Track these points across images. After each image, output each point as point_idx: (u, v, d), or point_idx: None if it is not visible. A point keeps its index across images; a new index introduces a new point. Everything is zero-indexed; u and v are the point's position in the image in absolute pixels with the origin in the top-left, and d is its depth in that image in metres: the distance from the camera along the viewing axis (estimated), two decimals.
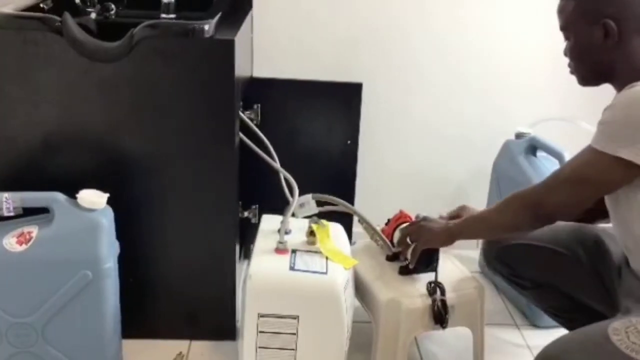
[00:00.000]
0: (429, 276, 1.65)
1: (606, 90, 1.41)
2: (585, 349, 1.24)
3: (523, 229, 1.46)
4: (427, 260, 1.64)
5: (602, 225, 1.65)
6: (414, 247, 1.60)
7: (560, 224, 1.58)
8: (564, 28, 1.43)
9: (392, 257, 1.74)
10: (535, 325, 1.98)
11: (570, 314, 1.67)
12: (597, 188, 1.34)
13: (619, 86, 1.34)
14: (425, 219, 1.65)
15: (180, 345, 1.77)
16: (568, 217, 1.41)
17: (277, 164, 1.82)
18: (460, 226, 1.55)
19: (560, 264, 1.61)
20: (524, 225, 1.44)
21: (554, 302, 1.70)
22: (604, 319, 1.32)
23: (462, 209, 1.67)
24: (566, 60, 1.47)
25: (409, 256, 1.62)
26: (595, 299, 1.58)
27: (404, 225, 1.69)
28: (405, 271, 1.68)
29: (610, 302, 1.52)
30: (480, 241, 2.33)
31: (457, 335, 1.73)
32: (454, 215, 1.66)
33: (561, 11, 1.42)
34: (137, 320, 1.72)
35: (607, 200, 1.43)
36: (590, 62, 1.38)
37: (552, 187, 1.38)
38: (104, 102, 1.57)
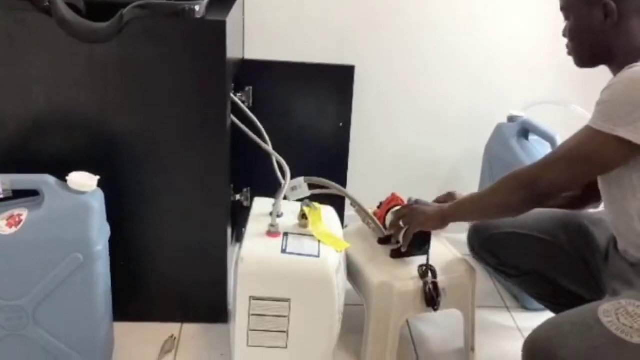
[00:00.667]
0: (420, 259, 1.65)
1: (599, 74, 1.40)
2: (576, 331, 1.25)
3: (518, 208, 1.44)
4: (419, 244, 1.65)
5: (590, 211, 1.66)
6: (406, 230, 1.61)
7: (543, 211, 1.59)
8: (564, 8, 1.42)
9: (384, 240, 1.74)
10: (525, 307, 2.00)
11: (557, 298, 1.68)
12: (593, 167, 1.33)
13: (617, 67, 1.34)
14: (417, 202, 1.65)
15: (172, 327, 1.78)
16: (562, 194, 1.40)
17: (269, 147, 1.81)
18: (453, 208, 1.55)
19: (544, 251, 1.62)
20: (518, 204, 1.42)
21: (539, 289, 1.71)
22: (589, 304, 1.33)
23: (450, 195, 1.68)
24: (560, 43, 1.47)
25: (401, 239, 1.62)
26: (580, 284, 1.60)
27: (397, 208, 1.69)
28: (397, 254, 1.68)
29: (595, 288, 1.53)
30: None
31: (448, 317, 1.74)
32: (441, 201, 1.66)
33: None
34: (129, 303, 1.72)
35: (600, 181, 1.43)
36: (589, 43, 1.38)
37: (548, 165, 1.37)
38: (93, 83, 1.55)
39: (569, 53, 1.44)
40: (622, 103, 1.25)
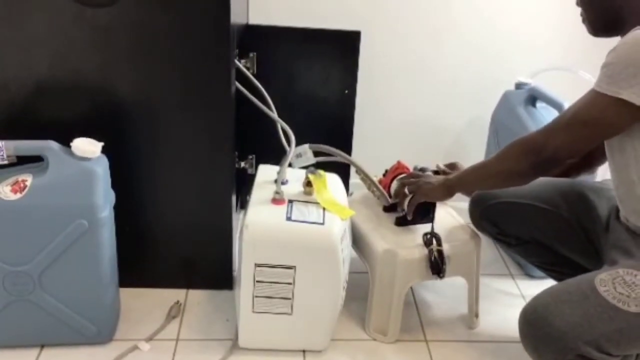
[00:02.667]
0: (425, 227, 1.65)
1: (607, 40, 1.38)
2: (573, 300, 1.27)
3: (525, 175, 1.42)
4: (424, 211, 1.64)
5: (592, 179, 1.65)
6: (411, 198, 1.60)
7: (543, 181, 1.59)
8: None
9: (389, 208, 1.74)
10: (529, 275, 2.00)
11: (557, 267, 1.69)
12: (599, 131, 1.32)
13: None
14: (423, 170, 1.65)
15: (178, 294, 1.79)
16: (569, 159, 1.37)
17: (274, 114, 1.80)
18: (458, 178, 1.55)
19: (544, 220, 1.62)
20: (525, 171, 1.39)
21: (540, 257, 1.72)
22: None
23: (452, 165, 1.68)
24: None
25: (405, 207, 1.62)
26: (579, 253, 1.60)
27: (402, 176, 1.69)
28: (401, 222, 1.68)
29: (594, 256, 1.53)
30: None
31: (452, 284, 1.74)
32: (445, 171, 1.66)
33: None
34: (135, 269, 1.73)
35: (605, 146, 1.42)
36: (600, 9, 1.35)
37: (553, 130, 1.36)
38: (96, 48, 1.53)
39: (583, 21, 1.42)
40: (626, 65, 1.23)
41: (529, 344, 1.30)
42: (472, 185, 1.58)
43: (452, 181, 1.55)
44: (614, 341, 1.23)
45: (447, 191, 1.55)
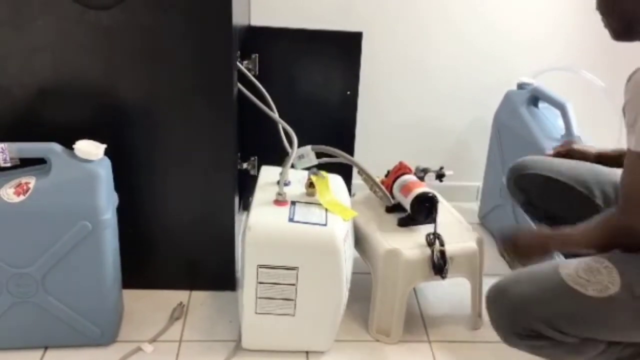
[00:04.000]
0: (428, 227, 1.65)
1: (609, 40, 1.37)
2: (532, 278, 1.31)
3: (607, 248, 1.35)
4: (426, 212, 1.64)
5: None
6: (515, 256, 1.51)
7: (584, 163, 1.60)
8: None
9: (391, 209, 1.74)
10: None
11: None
12: None
13: None
14: (425, 170, 1.65)
15: (181, 295, 1.79)
16: None
17: (276, 115, 1.80)
18: (557, 242, 1.45)
19: (575, 201, 1.60)
20: (607, 246, 1.34)
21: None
22: None
23: (569, 143, 1.72)
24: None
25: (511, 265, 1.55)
26: None
27: (504, 241, 1.55)
28: (404, 222, 1.69)
29: None
30: (481, 192, 2.34)
31: (455, 285, 1.74)
32: (562, 154, 1.69)
33: None
34: (138, 271, 1.73)
35: None
36: (618, 14, 1.33)
37: (625, 207, 1.29)
38: (99, 50, 1.54)
39: (605, 27, 1.40)
40: None
41: (490, 317, 1.35)
42: (568, 250, 1.48)
43: (550, 244, 1.45)
44: (568, 321, 1.25)
45: (545, 252, 1.46)
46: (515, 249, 1.52)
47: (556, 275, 1.27)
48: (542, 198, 1.67)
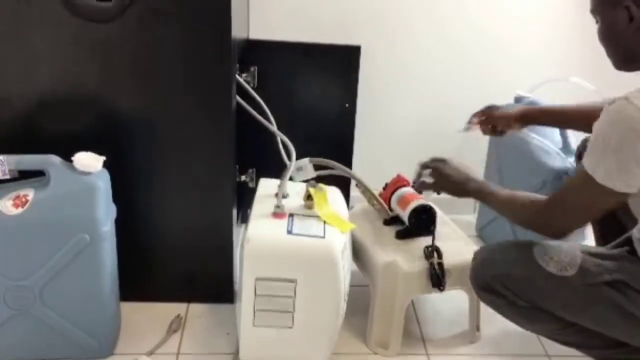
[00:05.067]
0: (426, 240, 1.65)
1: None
2: (508, 245, 1.51)
3: (519, 224, 1.53)
4: (425, 224, 1.65)
5: None
6: (433, 182, 1.66)
7: None
8: (592, 11, 1.41)
9: (389, 221, 1.74)
10: None
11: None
12: (599, 209, 1.35)
13: None
14: (446, 162, 1.67)
15: (179, 307, 1.78)
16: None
17: (274, 128, 1.81)
18: (478, 191, 1.57)
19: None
20: (519, 222, 1.51)
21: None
22: None
23: (490, 109, 1.83)
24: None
25: (419, 184, 1.70)
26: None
27: (431, 159, 1.69)
28: (402, 235, 1.69)
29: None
30: (478, 204, 2.35)
31: (453, 297, 1.74)
32: (482, 122, 1.83)
33: None
34: (136, 283, 1.72)
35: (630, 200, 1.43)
36: (618, 46, 1.35)
37: (552, 205, 1.39)
38: (98, 63, 1.55)
39: (607, 56, 1.42)
40: (601, 145, 1.25)
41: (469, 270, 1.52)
42: (487, 205, 1.59)
43: (471, 190, 1.58)
44: (519, 286, 1.40)
45: (463, 194, 1.61)
46: (439, 173, 1.66)
47: (528, 248, 1.41)
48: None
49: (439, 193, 1.68)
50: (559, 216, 1.38)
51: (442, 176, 1.64)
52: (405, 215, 1.67)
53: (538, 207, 1.42)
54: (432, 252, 1.61)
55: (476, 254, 1.50)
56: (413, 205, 1.66)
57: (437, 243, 1.64)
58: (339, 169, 1.73)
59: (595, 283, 1.35)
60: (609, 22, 1.36)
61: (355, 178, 1.75)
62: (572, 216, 1.37)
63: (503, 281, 1.41)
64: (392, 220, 1.73)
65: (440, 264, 1.60)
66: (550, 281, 1.37)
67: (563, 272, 1.36)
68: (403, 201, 1.70)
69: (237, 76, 1.73)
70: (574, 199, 1.35)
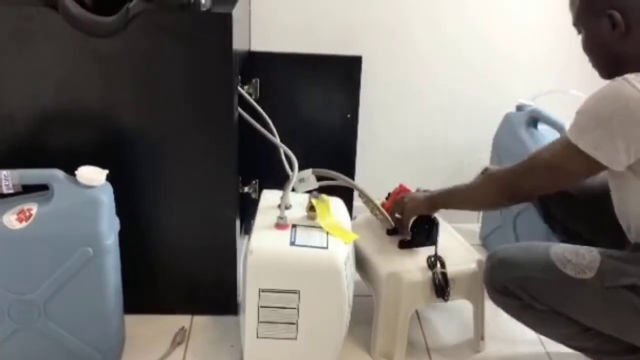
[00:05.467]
0: (429, 250, 1.65)
1: None
2: (525, 248, 1.48)
3: (496, 207, 1.61)
4: (427, 234, 1.65)
5: None
6: (401, 217, 1.66)
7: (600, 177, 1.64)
8: (575, 23, 1.44)
9: (392, 231, 1.74)
10: None
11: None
12: (568, 176, 1.39)
13: None
14: (417, 190, 1.69)
15: (183, 320, 1.78)
16: (538, 196, 1.51)
17: (276, 139, 1.81)
18: (442, 196, 1.62)
19: (589, 215, 1.63)
20: (500, 204, 1.57)
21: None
22: None
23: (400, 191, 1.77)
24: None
25: (403, 229, 1.66)
26: None
27: (397, 202, 1.71)
28: (404, 245, 1.69)
29: None
30: (482, 214, 2.35)
31: (458, 307, 1.74)
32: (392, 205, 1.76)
33: (571, 6, 1.45)
34: (139, 296, 1.72)
35: (609, 181, 1.45)
36: (603, 54, 1.38)
37: (527, 172, 1.44)
38: (101, 77, 1.55)
39: (593, 66, 1.45)
40: (590, 117, 1.30)
41: (483, 274, 1.52)
42: (454, 205, 1.64)
43: (436, 197, 1.62)
44: (538, 288, 1.40)
45: (431, 206, 1.64)
46: (403, 202, 1.68)
47: (545, 250, 1.41)
48: (562, 212, 1.69)
49: (430, 237, 1.68)
50: (529, 175, 1.42)
51: (405, 204, 1.67)
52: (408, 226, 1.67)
53: (506, 170, 1.48)
54: (435, 262, 1.61)
55: (491, 257, 1.49)
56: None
57: (441, 252, 1.64)
58: (341, 179, 1.74)
59: (614, 286, 1.34)
60: (593, 31, 1.40)
61: (357, 188, 1.75)
62: (542, 177, 1.41)
63: (522, 284, 1.41)
64: (395, 230, 1.73)
65: (444, 274, 1.60)
66: (568, 284, 1.36)
67: (581, 274, 1.35)
68: (410, 214, 1.69)
69: (239, 88, 1.74)
70: (548, 159, 1.39)
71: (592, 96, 1.31)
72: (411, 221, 1.65)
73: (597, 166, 1.30)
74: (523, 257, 1.44)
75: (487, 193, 1.52)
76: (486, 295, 1.70)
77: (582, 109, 1.32)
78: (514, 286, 1.41)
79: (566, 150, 1.33)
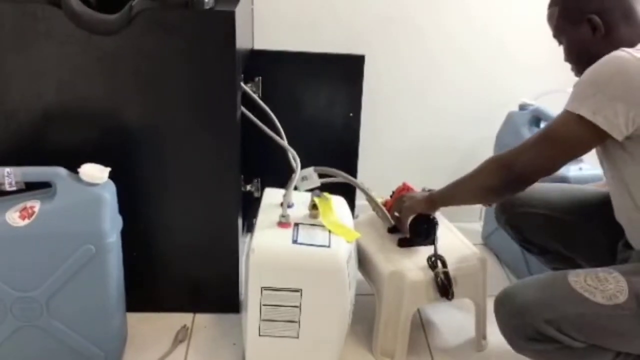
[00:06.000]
0: (431, 249, 1.65)
1: None
2: (540, 285, 1.35)
3: (496, 191, 1.47)
4: (425, 233, 1.64)
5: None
6: (399, 216, 1.66)
7: (571, 189, 1.64)
8: (555, 35, 1.48)
9: (393, 229, 1.74)
10: None
11: None
12: (566, 148, 1.35)
13: None
14: (421, 190, 1.68)
15: (185, 317, 1.79)
16: (540, 176, 1.41)
17: (278, 137, 1.81)
18: (440, 192, 1.60)
19: (567, 234, 1.62)
20: (496, 187, 1.45)
21: (561, 265, 1.70)
22: None
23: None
24: None
25: (403, 228, 1.65)
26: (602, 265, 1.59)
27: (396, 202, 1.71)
28: (403, 243, 1.69)
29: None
30: (484, 211, 2.35)
31: (460, 306, 1.74)
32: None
33: (549, 19, 1.49)
34: (142, 294, 1.73)
35: (605, 174, 1.44)
36: (587, 59, 1.38)
37: (523, 148, 1.40)
38: (104, 75, 1.56)
39: (576, 74, 1.47)
40: (589, 84, 1.29)
41: (497, 321, 1.37)
42: (452, 199, 1.61)
43: (435, 195, 1.61)
44: (575, 325, 1.27)
45: (430, 205, 1.61)
46: (401, 201, 1.66)
47: (564, 282, 1.30)
48: (535, 234, 1.69)
49: (428, 236, 1.66)
50: (526, 151, 1.37)
51: (404, 203, 1.66)
52: (407, 224, 1.67)
53: (504, 151, 1.43)
54: (435, 262, 1.61)
55: (505, 303, 1.35)
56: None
57: (443, 251, 1.63)
58: (342, 177, 1.74)
59: None
60: (575, 39, 1.43)
61: (358, 186, 1.75)
62: (540, 151, 1.36)
63: (558, 324, 1.27)
64: (396, 228, 1.73)
65: (446, 273, 1.60)
66: (603, 313, 1.26)
67: (613, 299, 1.26)
68: (408, 213, 1.70)
69: (243, 86, 1.74)
70: (546, 133, 1.36)
71: (589, 69, 1.31)
72: (409, 220, 1.65)
73: (596, 134, 1.28)
74: (547, 296, 1.30)
75: (484, 176, 1.46)
76: (488, 293, 1.71)
77: (580, 80, 1.32)
78: (549, 329, 1.27)
79: (565, 120, 1.32)
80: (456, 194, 1.57)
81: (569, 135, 1.32)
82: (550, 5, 1.50)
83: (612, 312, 1.25)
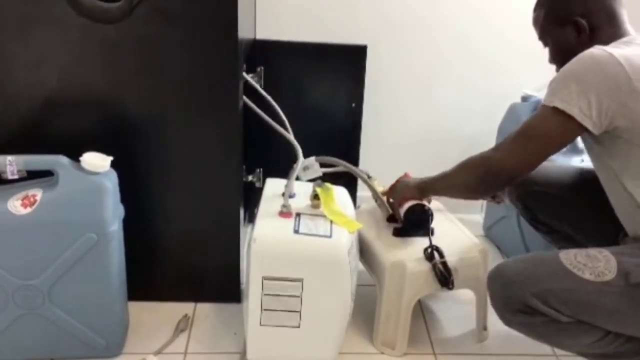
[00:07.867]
0: (427, 239, 1.64)
1: None
2: (532, 259, 1.39)
3: (474, 188, 1.49)
4: (418, 223, 1.63)
5: None
6: (392, 202, 1.68)
7: (582, 170, 1.66)
8: (541, 37, 1.52)
9: (392, 219, 1.74)
10: None
11: None
12: (542, 143, 1.36)
13: None
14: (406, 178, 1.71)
15: (186, 307, 1.79)
16: (520, 174, 1.42)
17: (280, 127, 1.80)
18: (430, 182, 1.61)
19: (576, 215, 1.63)
20: (477, 186, 1.46)
21: (567, 246, 1.69)
22: None
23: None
24: None
25: (397, 214, 1.67)
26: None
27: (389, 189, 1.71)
28: (398, 233, 1.68)
29: None
30: (485, 203, 2.35)
31: (460, 297, 1.74)
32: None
33: (535, 22, 1.52)
34: (143, 283, 1.73)
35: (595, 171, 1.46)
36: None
37: (501, 145, 1.43)
38: (106, 63, 1.55)
39: (549, 61, 1.51)
40: (562, 77, 1.32)
41: (489, 295, 1.42)
42: (439, 192, 1.63)
43: (426, 183, 1.62)
44: (561, 299, 1.29)
45: (420, 193, 1.63)
46: (394, 187, 1.69)
47: (555, 258, 1.33)
48: (544, 213, 1.70)
49: (422, 227, 1.66)
50: (502, 148, 1.41)
51: (397, 188, 1.68)
52: (401, 214, 1.66)
53: (490, 151, 1.45)
54: (432, 253, 1.60)
55: (497, 277, 1.38)
56: (407, 204, 1.65)
57: (444, 243, 1.63)
58: (344, 166, 1.73)
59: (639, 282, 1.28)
60: (561, 41, 1.46)
61: (359, 175, 1.75)
62: (516, 147, 1.38)
63: (544, 298, 1.30)
64: (393, 217, 1.73)
65: (444, 263, 1.59)
66: (591, 289, 1.28)
67: (601, 277, 1.28)
68: (401, 200, 1.69)
69: (245, 75, 1.74)
70: (523, 128, 1.37)
71: (564, 66, 1.34)
72: (403, 209, 1.64)
73: (571, 126, 1.30)
74: (535, 270, 1.34)
75: (464, 174, 1.49)
76: None
77: (555, 76, 1.35)
78: (536, 302, 1.30)
79: (540, 114, 1.34)
80: (442, 188, 1.60)
81: (545, 130, 1.34)
82: (536, 8, 1.53)
83: (600, 289, 1.28)
